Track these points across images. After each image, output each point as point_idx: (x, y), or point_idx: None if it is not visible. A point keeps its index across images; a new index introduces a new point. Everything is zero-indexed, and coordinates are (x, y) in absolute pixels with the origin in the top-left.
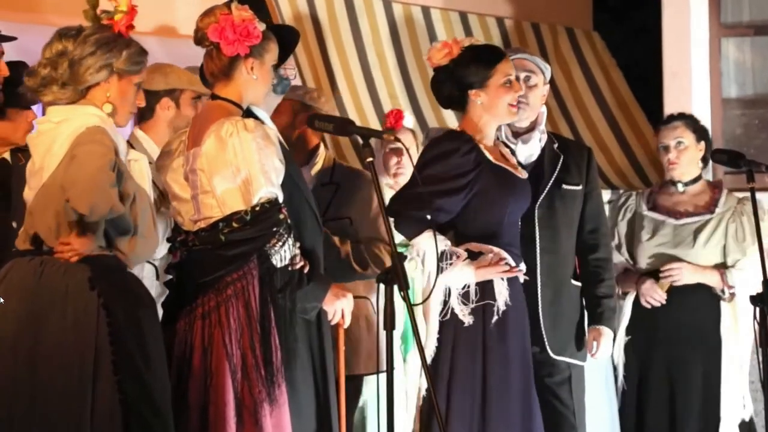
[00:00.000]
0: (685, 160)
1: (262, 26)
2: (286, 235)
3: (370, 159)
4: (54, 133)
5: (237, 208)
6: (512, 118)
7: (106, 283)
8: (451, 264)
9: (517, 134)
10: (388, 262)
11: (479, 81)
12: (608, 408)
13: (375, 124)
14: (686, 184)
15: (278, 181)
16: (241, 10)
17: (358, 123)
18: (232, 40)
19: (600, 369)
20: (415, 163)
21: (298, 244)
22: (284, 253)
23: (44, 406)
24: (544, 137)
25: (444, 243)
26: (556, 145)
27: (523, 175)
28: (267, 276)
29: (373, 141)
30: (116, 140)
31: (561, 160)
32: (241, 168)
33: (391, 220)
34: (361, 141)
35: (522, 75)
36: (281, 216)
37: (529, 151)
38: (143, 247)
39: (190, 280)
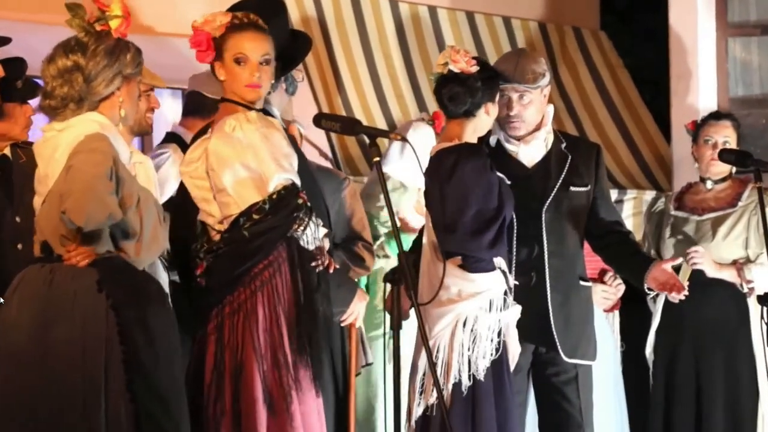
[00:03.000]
0: None
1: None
2: (307, 219)
3: (377, 159)
4: (57, 140)
5: (254, 200)
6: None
7: (114, 284)
8: (513, 302)
9: (519, 137)
10: (368, 261)
11: (494, 96)
12: (616, 407)
13: (381, 124)
14: (716, 182)
15: (290, 166)
16: (201, 21)
17: (364, 122)
18: (196, 53)
19: (608, 368)
20: (457, 186)
21: (325, 230)
22: (309, 236)
23: (54, 411)
24: (551, 137)
25: (511, 280)
26: (564, 145)
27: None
28: (297, 259)
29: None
30: (117, 145)
31: (569, 161)
32: (250, 159)
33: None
34: (367, 140)
35: (515, 96)
36: (300, 201)
37: (532, 152)
38: (149, 249)
39: (219, 282)
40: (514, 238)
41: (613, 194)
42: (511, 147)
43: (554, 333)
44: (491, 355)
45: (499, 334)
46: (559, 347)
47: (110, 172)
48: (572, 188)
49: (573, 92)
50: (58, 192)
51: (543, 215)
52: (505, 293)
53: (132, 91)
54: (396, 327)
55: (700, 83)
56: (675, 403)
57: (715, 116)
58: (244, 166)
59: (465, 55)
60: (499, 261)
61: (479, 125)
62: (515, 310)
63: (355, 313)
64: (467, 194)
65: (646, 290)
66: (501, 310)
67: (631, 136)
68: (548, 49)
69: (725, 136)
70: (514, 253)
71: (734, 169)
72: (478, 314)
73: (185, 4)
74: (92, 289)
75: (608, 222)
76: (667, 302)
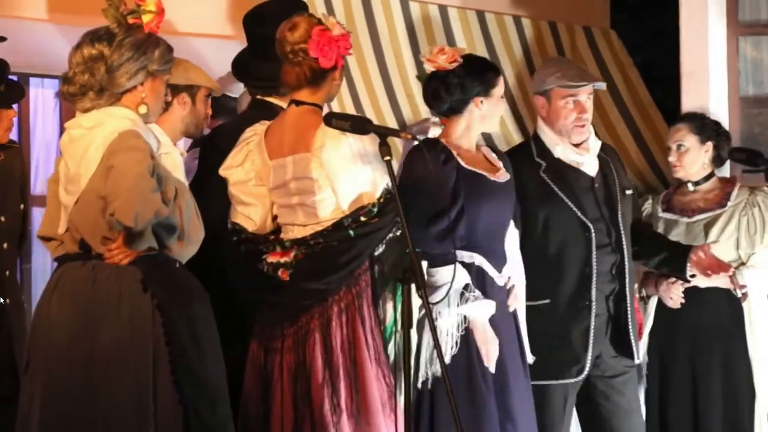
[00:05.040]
0: (687, 162)
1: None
2: (399, 224)
3: (388, 158)
4: (88, 138)
5: (363, 203)
6: (495, 129)
7: (158, 283)
8: (475, 296)
9: (578, 145)
10: None
11: (484, 89)
12: None
13: (392, 123)
14: (696, 183)
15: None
16: (336, 24)
17: (375, 122)
18: (332, 55)
19: None
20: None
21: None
22: (387, 243)
23: (101, 410)
24: (597, 144)
25: (466, 277)
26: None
27: (502, 178)
28: (375, 265)
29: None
30: (148, 139)
31: (612, 166)
32: (364, 164)
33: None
34: (378, 140)
35: (584, 97)
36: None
37: (592, 161)
38: (190, 241)
39: (315, 279)
40: (593, 249)
41: None
42: (576, 158)
43: (631, 339)
44: (451, 350)
45: (464, 330)
46: (635, 352)
47: (151, 168)
48: (627, 192)
49: None
50: (96, 192)
51: (620, 223)
52: (467, 287)
53: (157, 88)
54: (407, 326)
55: (710, 82)
56: (671, 406)
57: (673, 122)
58: (360, 171)
59: (445, 53)
60: (471, 255)
61: (472, 121)
62: (481, 305)
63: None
64: (412, 189)
65: (689, 277)
66: (459, 304)
67: (641, 135)
68: (558, 48)
69: (677, 140)
70: (596, 264)
71: (716, 169)
72: (440, 309)
73: (196, 3)
74: (137, 289)
75: (636, 217)
76: (659, 304)
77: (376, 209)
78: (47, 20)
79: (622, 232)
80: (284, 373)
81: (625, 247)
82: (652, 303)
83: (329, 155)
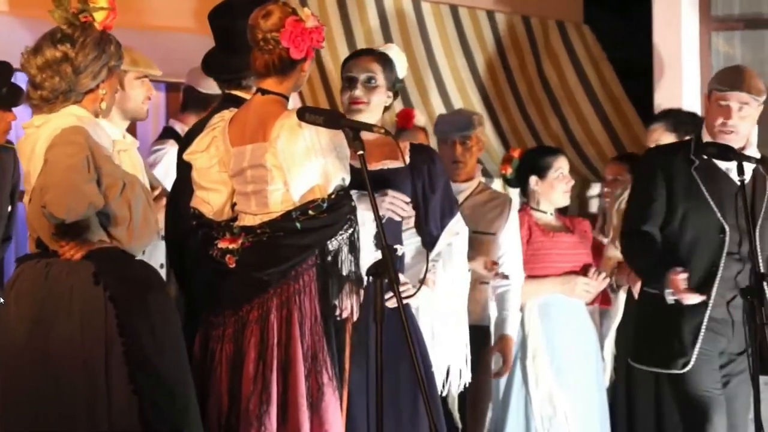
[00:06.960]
0: None
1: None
2: (355, 221)
3: (361, 152)
4: (35, 136)
5: (314, 197)
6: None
7: (111, 275)
8: None
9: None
10: None
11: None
12: (599, 400)
13: None
14: None
15: (348, 166)
16: (310, 15)
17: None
18: (304, 46)
19: (591, 360)
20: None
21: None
22: (341, 239)
23: (60, 406)
24: (754, 156)
25: None
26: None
27: (375, 168)
28: (323, 263)
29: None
30: (97, 135)
31: (766, 184)
32: (318, 157)
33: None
34: (351, 134)
35: (735, 106)
36: (353, 203)
37: (747, 170)
38: (141, 235)
39: (258, 268)
40: (724, 252)
41: (596, 188)
42: (724, 163)
43: None
44: None
45: None
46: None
47: (86, 161)
48: None
49: (557, 86)
50: (39, 187)
51: (756, 236)
52: None
53: (113, 83)
54: (379, 320)
55: (683, 77)
56: (636, 400)
57: (649, 121)
58: (313, 164)
59: None
60: None
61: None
62: None
63: (350, 306)
64: None
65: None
66: None
67: (614, 130)
68: (532, 42)
69: (655, 140)
70: (722, 267)
71: None
72: None
73: None
74: (89, 283)
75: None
76: (628, 298)
77: (325, 204)
78: (7, 13)
79: (758, 245)
80: (223, 361)
81: (758, 260)
82: (622, 295)
83: (283, 146)
